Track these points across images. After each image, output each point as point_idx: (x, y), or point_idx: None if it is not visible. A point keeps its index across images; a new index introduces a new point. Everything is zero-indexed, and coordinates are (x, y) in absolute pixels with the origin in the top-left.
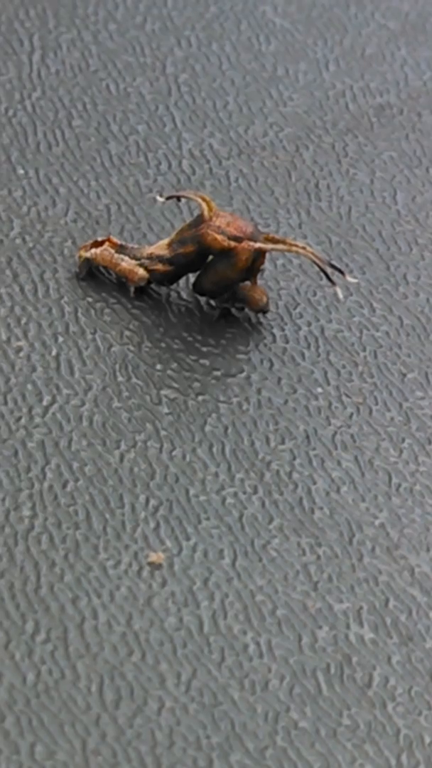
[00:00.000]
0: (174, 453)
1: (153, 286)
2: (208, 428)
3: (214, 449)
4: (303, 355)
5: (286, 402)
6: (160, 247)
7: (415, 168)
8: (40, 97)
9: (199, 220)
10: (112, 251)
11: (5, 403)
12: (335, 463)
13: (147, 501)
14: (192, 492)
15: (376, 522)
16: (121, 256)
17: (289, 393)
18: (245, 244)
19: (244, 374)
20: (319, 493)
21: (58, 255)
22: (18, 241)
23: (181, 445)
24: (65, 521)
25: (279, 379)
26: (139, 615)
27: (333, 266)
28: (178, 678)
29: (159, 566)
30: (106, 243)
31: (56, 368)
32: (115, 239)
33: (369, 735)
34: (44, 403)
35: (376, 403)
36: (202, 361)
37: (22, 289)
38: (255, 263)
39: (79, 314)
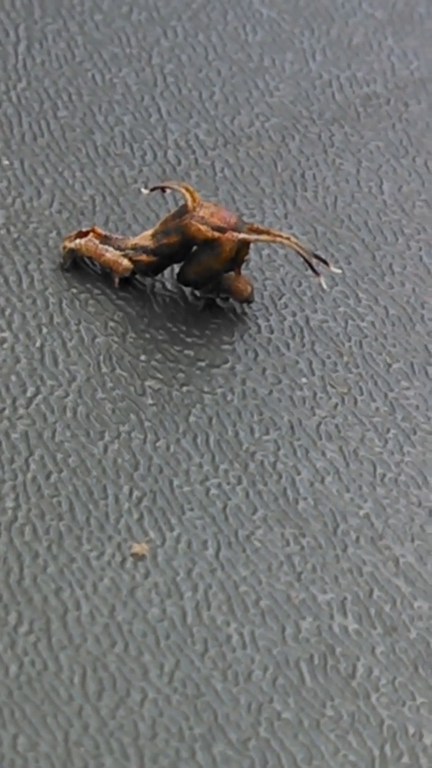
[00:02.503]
0: (158, 444)
1: (137, 276)
2: (192, 419)
3: (199, 440)
4: (288, 345)
5: (270, 392)
6: (144, 237)
7: (402, 158)
8: (25, 88)
9: (183, 210)
10: (97, 242)
11: None
12: (320, 454)
13: (131, 492)
14: (176, 483)
15: (361, 512)
16: (106, 246)
17: (274, 383)
18: (229, 234)
19: (228, 365)
20: (303, 484)
21: (43, 246)
22: (2, 231)
23: (165, 436)
24: (48, 512)
25: (264, 370)
26: (122, 606)
27: (317, 257)
28: (161, 669)
29: (142, 557)
30: (91, 234)
31: (40, 359)
32: (99, 230)
33: (352, 726)
34: (28, 394)
35: (361, 394)
36: (186, 351)
37: (6, 280)
38: (239, 254)
39: (64, 305)
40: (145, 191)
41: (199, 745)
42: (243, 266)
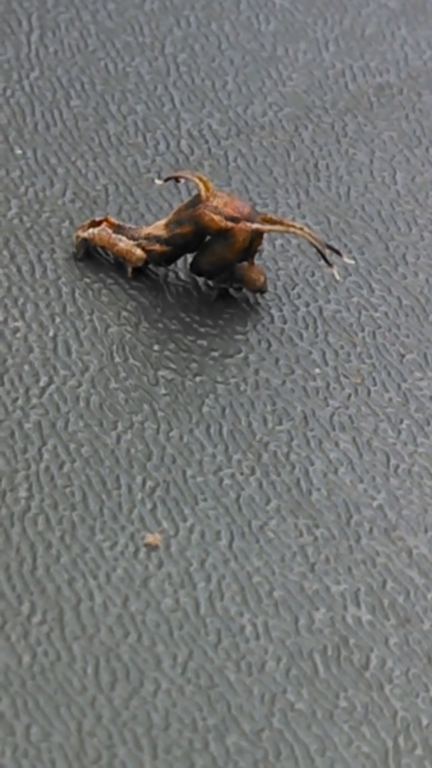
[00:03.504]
0: (171, 434)
1: (150, 266)
2: (205, 409)
3: (212, 430)
4: (301, 335)
5: (283, 383)
6: (157, 227)
7: (415, 148)
8: (38, 77)
9: (196, 200)
10: (110, 231)
11: (2, 383)
12: (333, 444)
13: (144, 482)
14: (189, 473)
15: (374, 503)
16: (119, 236)
17: (287, 374)
18: (242, 224)
19: (241, 355)
20: (316, 474)
21: (56, 235)
22: (15, 221)
23: (179, 426)
24: (62, 502)
25: (277, 360)
26: (135, 596)
27: (330, 247)
28: (174, 659)
29: (155, 547)
30: (104, 223)
31: (53, 349)
32: (112, 219)
33: (366, 717)
34: (41, 383)
35: (375, 384)
36: (199, 341)
37: (19, 270)
38: (252, 244)
39: (77, 295)
40: (158, 182)
41: (213, 736)
42: (256, 256)
